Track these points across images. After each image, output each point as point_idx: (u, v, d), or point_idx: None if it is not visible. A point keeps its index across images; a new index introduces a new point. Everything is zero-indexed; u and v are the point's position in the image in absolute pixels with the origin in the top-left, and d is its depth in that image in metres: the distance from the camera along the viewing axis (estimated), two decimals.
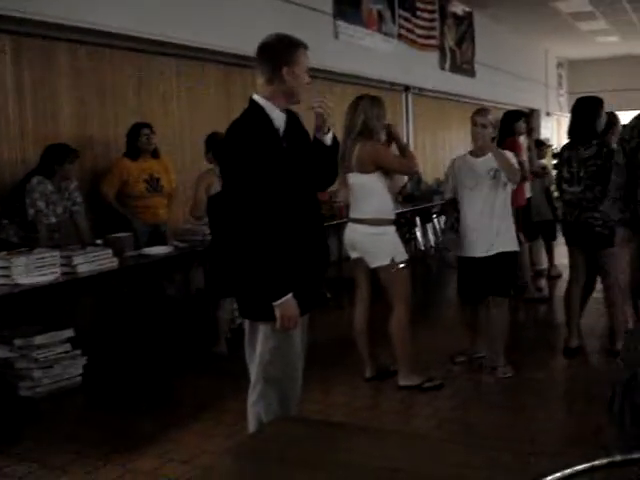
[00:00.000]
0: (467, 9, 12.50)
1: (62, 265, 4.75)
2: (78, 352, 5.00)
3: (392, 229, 4.62)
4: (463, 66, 12.51)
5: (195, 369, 5.32)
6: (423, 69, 11.11)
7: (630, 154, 2.76)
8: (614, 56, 17.26)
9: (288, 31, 3.07)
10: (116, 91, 6.29)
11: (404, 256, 4.58)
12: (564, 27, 14.21)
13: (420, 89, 11.34)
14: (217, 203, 5.12)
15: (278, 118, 2.96)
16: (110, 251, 5.08)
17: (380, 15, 9.72)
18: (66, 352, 4.94)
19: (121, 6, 5.82)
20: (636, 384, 1.96)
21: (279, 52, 2.95)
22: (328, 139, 3.05)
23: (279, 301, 2.84)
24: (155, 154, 6.13)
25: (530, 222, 7.27)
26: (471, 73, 12.85)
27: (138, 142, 5.98)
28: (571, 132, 5.11)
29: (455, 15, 12.12)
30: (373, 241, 4.54)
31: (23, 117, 5.55)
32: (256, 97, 2.97)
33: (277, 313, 2.85)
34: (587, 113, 5.03)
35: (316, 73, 7.62)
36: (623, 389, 2.00)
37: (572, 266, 5.25)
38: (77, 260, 4.81)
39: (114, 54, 6.24)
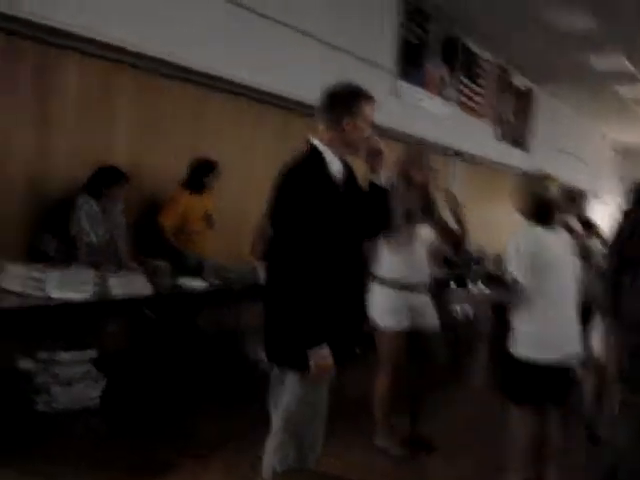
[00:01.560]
0: (528, 83, 12.52)
1: (96, 284, 4.74)
2: (100, 374, 4.96)
3: (384, 290, 4.43)
4: (518, 139, 12.47)
5: (217, 404, 5.24)
6: (477, 137, 11.10)
7: None
8: None
9: (343, 81, 3.06)
10: (172, 122, 6.37)
11: (391, 322, 4.41)
12: (624, 111, 14.14)
13: (472, 156, 11.31)
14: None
15: (335, 165, 2.93)
16: (145, 277, 5.07)
17: (442, 79, 9.78)
18: (87, 372, 4.91)
19: (186, 39, 5.92)
20: None
21: (343, 100, 2.95)
22: (381, 180, 3.01)
23: (315, 349, 2.77)
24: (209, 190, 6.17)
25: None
26: (525, 146, 12.81)
27: (205, 179, 6.04)
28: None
29: (515, 88, 12.14)
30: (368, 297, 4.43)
31: (79, 137, 5.63)
32: (315, 141, 2.95)
33: (311, 362, 2.77)
34: None
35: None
36: None
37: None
38: (111, 281, 4.81)
39: (174, 85, 6.33)
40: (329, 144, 2.94)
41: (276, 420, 2.97)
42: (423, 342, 4.56)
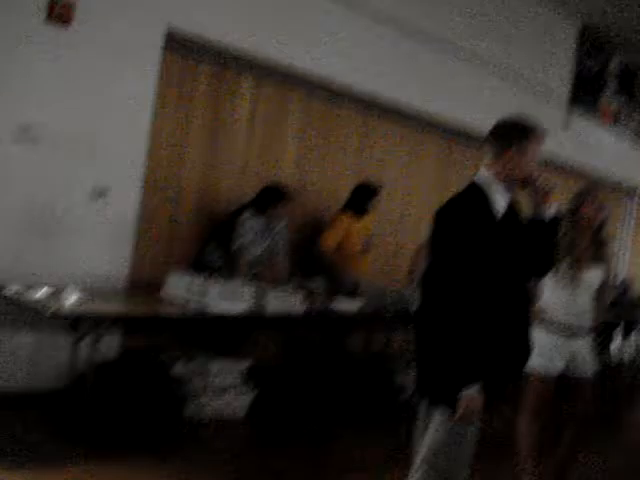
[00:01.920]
0: None
1: (253, 298, 4.88)
2: (250, 385, 5.09)
3: (540, 330, 4.16)
4: None
5: (355, 431, 5.23)
6: None
7: None
8: None
9: (517, 112, 2.99)
10: (339, 145, 6.48)
11: (540, 364, 4.16)
12: None
13: None
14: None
15: (498, 200, 2.86)
16: (301, 295, 5.17)
17: (618, 110, 9.33)
18: (238, 382, 5.05)
19: (357, 66, 6.02)
20: None
21: (510, 134, 2.87)
22: (547, 215, 2.91)
23: (466, 391, 2.70)
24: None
25: None
26: None
27: (368, 204, 6.11)
28: None
29: None
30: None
31: (250, 153, 5.86)
32: (478, 178, 2.90)
33: (461, 403, 2.70)
34: None
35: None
36: None
37: None
38: (268, 297, 4.93)
39: (343, 109, 6.44)
40: (495, 177, 2.87)
41: (419, 455, 2.92)
42: (575, 388, 4.32)
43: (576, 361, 4.31)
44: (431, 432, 2.83)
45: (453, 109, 6.91)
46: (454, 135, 7.36)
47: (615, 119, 9.33)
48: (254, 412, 5.06)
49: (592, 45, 8.59)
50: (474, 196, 2.85)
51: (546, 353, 4.19)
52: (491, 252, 2.76)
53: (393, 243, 7.03)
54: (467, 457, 2.86)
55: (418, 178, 7.24)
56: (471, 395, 2.68)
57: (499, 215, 2.84)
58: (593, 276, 4.32)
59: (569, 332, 4.28)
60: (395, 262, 7.02)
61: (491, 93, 7.16)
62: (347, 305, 5.56)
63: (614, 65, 9.04)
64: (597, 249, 4.35)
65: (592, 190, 4.45)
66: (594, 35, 8.54)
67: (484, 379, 2.72)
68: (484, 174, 2.89)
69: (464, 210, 2.80)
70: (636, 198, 10.72)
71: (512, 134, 2.87)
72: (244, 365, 5.09)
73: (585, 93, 8.68)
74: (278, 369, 5.61)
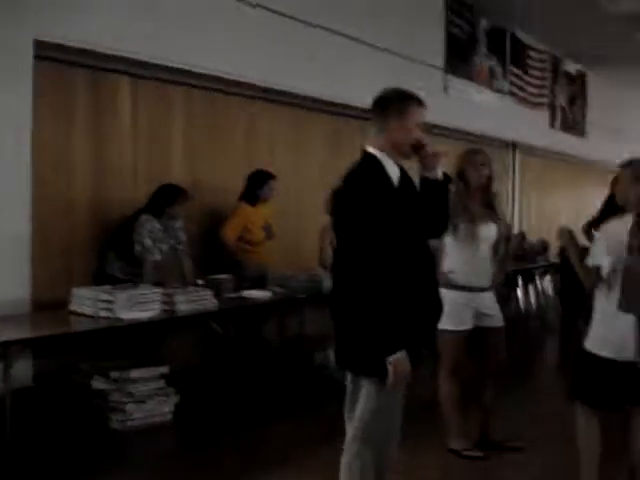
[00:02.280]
0: (581, 68, 12.28)
1: (163, 302, 4.83)
2: (171, 389, 5.04)
3: (445, 291, 4.03)
4: (574, 125, 12.25)
5: (287, 414, 5.27)
6: (532, 127, 10.94)
7: None
8: None
9: (397, 84, 3.07)
10: (227, 137, 6.45)
11: (450, 324, 4.18)
12: None
13: (528, 147, 11.15)
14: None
15: (392, 170, 2.94)
16: (210, 292, 5.14)
17: (491, 71, 9.67)
18: (160, 388, 4.99)
19: (232, 53, 5.99)
20: None
21: (390, 104, 2.95)
22: (439, 173, 2.99)
23: (393, 357, 2.76)
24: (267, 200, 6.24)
25: None
26: (582, 133, 12.56)
27: (261, 191, 6.11)
28: None
29: (567, 74, 11.92)
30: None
31: (137, 156, 5.75)
32: (370, 149, 2.96)
33: (390, 369, 2.76)
34: None
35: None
36: None
37: None
38: (178, 298, 4.88)
39: (226, 99, 6.41)
40: (382, 149, 2.94)
41: (350, 429, 2.98)
42: (486, 340, 4.53)
43: (483, 315, 4.50)
44: (361, 404, 2.90)
45: (336, 88, 6.98)
46: (340, 113, 7.44)
47: (490, 80, 9.66)
48: (180, 416, 5.02)
49: (460, 9, 8.84)
50: (370, 167, 2.92)
51: (454, 312, 4.28)
52: (394, 220, 2.84)
53: (293, 228, 7.04)
54: (397, 424, 2.95)
55: (310, 161, 7.29)
56: (398, 360, 2.76)
57: (395, 183, 2.92)
58: (488, 233, 4.50)
59: (473, 289, 4.45)
60: (296, 248, 7.04)
61: (369, 68, 7.26)
62: (257, 294, 5.59)
63: (483, 27, 9.34)
64: (488, 206, 4.53)
65: (475, 150, 4.63)
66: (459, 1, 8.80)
67: (405, 344, 2.79)
68: (373, 147, 2.96)
69: (363, 182, 2.87)
70: (517, 151, 11.15)
71: (391, 105, 2.95)
72: (163, 370, 5.03)
73: (459, 56, 8.94)
74: (198, 369, 5.57)
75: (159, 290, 4.86)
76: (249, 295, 5.53)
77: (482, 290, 4.49)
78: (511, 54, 10.07)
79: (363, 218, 2.78)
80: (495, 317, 4.55)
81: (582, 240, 5.41)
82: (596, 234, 3.66)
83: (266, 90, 6.50)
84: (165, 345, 5.40)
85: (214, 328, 5.55)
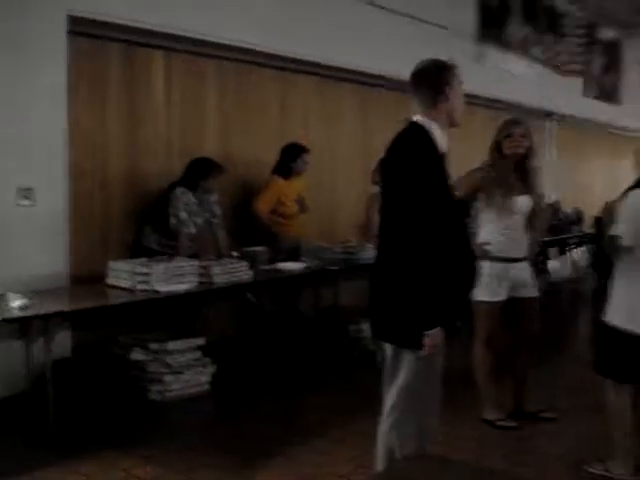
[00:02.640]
0: (615, 34, 12.02)
1: (199, 274, 4.89)
2: (208, 360, 5.11)
3: (482, 264, 4.12)
4: (608, 93, 12.02)
5: (322, 386, 5.33)
6: (566, 95, 10.76)
7: None
8: None
9: (431, 54, 3.07)
10: (259, 109, 6.45)
11: (484, 295, 4.28)
12: None
13: (562, 116, 10.98)
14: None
15: (442, 141, 2.94)
16: (246, 264, 5.19)
17: (525, 39, 9.51)
18: (197, 359, 5.07)
19: (264, 24, 5.96)
20: None
21: (439, 75, 2.96)
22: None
23: (431, 331, 2.80)
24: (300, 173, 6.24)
25: None
26: (617, 101, 12.33)
27: (294, 164, 6.10)
28: None
29: (603, 41, 11.68)
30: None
31: (171, 130, 5.78)
32: (419, 119, 2.96)
33: (426, 342, 2.80)
34: None
35: None
36: None
37: None
38: (214, 270, 4.94)
39: (258, 72, 6.40)
40: (434, 118, 2.94)
41: (391, 398, 3.01)
42: (520, 311, 4.52)
43: (518, 285, 4.48)
44: (402, 374, 2.93)
45: (369, 59, 6.93)
46: (373, 85, 7.39)
47: (524, 47, 9.50)
48: (217, 386, 5.10)
49: None
50: (419, 136, 2.92)
51: (489, 283, 4.32)
52: (442, 189, 2.87)
53: (326, 201, 7.05)
54: (436, 395, 2.99)
55: (342, 133, 7.27)
56: (434, 335, 2.80)
57: (444, 150, 2.94)
58: (523, 204, 4.47)
59: (508, 260, 4.43)
60: (330, 220, 7.05)
61: (400, 36, 7.18)
62: (291, 266, 5.62)
63: None
64: (525, 178, 4.48)
65: (515, 121, 4.57)
66: None
67: (442, 319, 2.82)
68: (422, 117, 2.96)
69: (415, 150, 2.88)
70: (554, 121, 10.99)
71: (442, 78, 2.96)
72: (200, 341, 5.10)
73: (492, 24, 8.80)
74: (234, 339, 5.64)
75: (195, 262, 4.92)
76: (283, 267, 5.56)
77: (517, 261, 4.47)
78: (545, 21, 9.88)
79: (416, 187, 2.80)
80: (530, 288, 4.53)
81: None
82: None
83: (297, 61, 6.47)
84: (201, 317, 5.47)
85: (249, 299, 5.62)
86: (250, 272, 5.17)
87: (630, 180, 4.21)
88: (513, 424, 4.46)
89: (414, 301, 2.81)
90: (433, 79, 2.96)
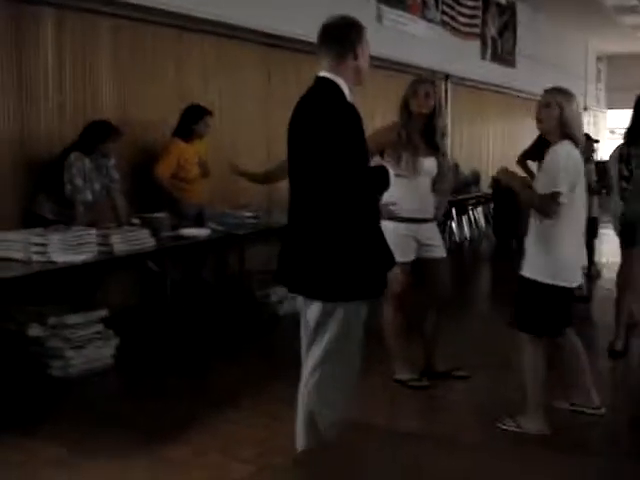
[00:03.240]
0: None
1: (98, 244, 4.65)
2: (111, 332, 4.90)
3: (388, 225, 3.94)
4: (504, 56, 12.25)
5: (231, 354, 5.21)
6: (464, 58, 10.88)
7: None
8: None
9: (331, 13, 3.02)
10: (157, 70, 6.16)
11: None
12: (606, 21, 13.90)
13: (460, 78, 11.11)
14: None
15: (350, 96, 2.91)
16: (147, 231, 4.98)
17: (424, 1, 9.51)
18: (99, 332, 4.84)
19: None
20: None
21: (350, 32, 2.92)
22: None
23: (390, 272, 2.92)
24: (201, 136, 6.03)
25: None
26: (512, 63, 12.59)
27: (196, 126, 5.88)
28: (631, 129, 4.92)
29: (498, 4, 11.87)
30: None
31: (62, 92, 5.44)
32: (326, 74, 2.90)
33: (390, 279, 2.92)
34: None
35: None
36: None
37: (627, 268, 5.08)
38: (114, 239, 4.71)
39: (155, 30, 6.10)
40: (341, 75, 2.89)
41: (315, 356, 2.93)
42: (429, 271, 4.53)
43: (426, 246, 4.47)
44: (332, 329, 2.87)
45: (268, 17, 6.73)
46: (274, 45, 7.20)
47: (422, 10, 9.51)
48: (122, 360, 4.89)
49: None
50: (331, 91, 2.87)
51: (397, 244, 4.21)
52: (360, 143, 2.83)
53: (220, 161, 6.79)
54: (359, 351, 2.99)
55: (243, 94, 7.06)
56: (394, 271, 2.95)
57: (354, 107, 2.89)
58: (430, 165, 4.44)
59: (415, 220, 4.39)
60: (232, 184, 6.84)
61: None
62: (196, 232, 5.45)
63: None
64: (431, 138, 4.43)
65: (420, 79, 4.52)
66: None
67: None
68: (329, 73, 2.88)
69: (332, 106, 2.83)
70: (449, 82, 11.10)
71: (351, 35, 2.92)
72: (102, 314, 4.88)
73: None
74: (138, 310, 5.42)
75: (93, 231, 4.67)
76: (187, 233, 5.38)
77: (424, 222, 4.45)
78: None
79: (341, 141, 2.76)
80: (438, 248, 4.54)
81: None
82: (547, 162, 3.65)
83: (195, 20, 6.21)
84: (102, 288, 5.23)
85: (152, 268, 5.41)
86: (152, 240, 4.97)
87: (524, 140, 4.32)
88: (425, 383, 4.48)
89: (369, 247, 2.83)
90: (343, 35, 2.92)
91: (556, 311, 3.66)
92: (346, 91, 2.88)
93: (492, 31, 11.73)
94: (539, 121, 3.71)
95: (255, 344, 5.43)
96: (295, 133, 2.94)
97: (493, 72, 11.86)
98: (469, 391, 4.48)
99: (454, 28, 10.39)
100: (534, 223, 3.67)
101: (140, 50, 5.99)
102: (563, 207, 3.52)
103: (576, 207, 3.62)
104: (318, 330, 2.92)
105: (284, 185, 7.35)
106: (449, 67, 10.57)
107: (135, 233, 4.91)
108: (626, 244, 5.06)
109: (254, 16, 6.59)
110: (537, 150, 5.99)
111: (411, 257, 4.41)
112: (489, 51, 11.67)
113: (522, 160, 7.34)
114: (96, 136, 5.13)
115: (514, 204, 10.55)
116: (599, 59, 18.38)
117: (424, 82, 4.45)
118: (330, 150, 2.76)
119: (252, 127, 7.12)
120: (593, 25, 14.46)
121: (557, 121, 3.60)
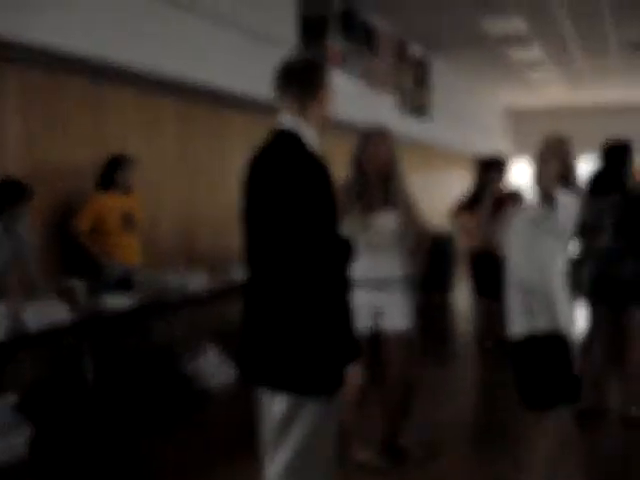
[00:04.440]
0: (424, 52, 12.30)
1: (7, 320, 4.09)
2: (23, 419, 4.28)
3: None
4: (419, 109, 12.26)
5: (161, 435, 4.65)
6: (381, 110, 10.77)
7: None
8: (560, 107, 17.40)
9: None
10: (71, 119, 5.64)
11: None
12: (515, 75, 14.20)
13: None
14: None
15: (315, 145, 2.52)
16: (62, 301, 4.45)
17: (343, 53, 9.36)
18: (9, 421, 4.22)
19: (77, 27, 5.19)
20: None
21: (314, 75, 2.57)
22: None
23: (353, 366, 2.39)
24: (128, 189, 5.54)
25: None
26: (427, 116, 12.62)
27: (118, 177, 5.44)
28: (596, 179, 4.75)
29: (413, 58, 11.90)
30: None
31: None
32: (288, 124, 2.52)
33: (348, 380, 2.38)
34: (615, 159, 4.70)
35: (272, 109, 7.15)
36: None
37: (594, 324, 4.85)
38: (26, 313, 4.16)
39: (68, 79, 5.60)
40: (305, 124, 2.52)
41: (283, 459, 2.44)
42: (385, 347, 4.01)
43: (384, 315, 3.97)
44: (297, 431, 2.41)
45: (189, 67, 6.33)
46: (194, 95, 6.80)
47: (342, 62, 9.35)
48: (38, 450, 4.27)
49: None
50: (296, 145, 2.48)
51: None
52: (330, 209, 2.43)
53: (149, 219, 6.30)
54: (334, 447, 2.53)
55: (163, 145, 6.60)
56: (355, 369, 2.40)
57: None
58: (387, 220, 4.01)
59: (372, 285, 3.93)
60: (153, 240, 6.33)
61: (224, 47, 6.66)
62: (119, 301, 4.92)
63: (336, 7, 8.99)
64: (388, 190, 4.03)
65: (374, 130, 4.16)
66: None
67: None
68: (291, 122, 2.52)
69: (297, 163, 2.43)
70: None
71: (315, 79, 2.57)
72: (11, 400, 4.27)
73: (312, 36, 8.52)
74: (54, 393, 4.80)
75: (2, 306, 4.11)
76: (110, 303, 4.85)
77: (382, 286, 3.97)
78: (361, 37, 9.81)
79: (309, 207, 2.37)
80: (396, 319, 3.99)
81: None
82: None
83: (115, 68, 5.73)
84: (13, 369, 4.60)
85: (70, 343, 4.84)
86: (69, 311, 4.44)
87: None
88: (384, 462, 4.05)
89: (330, 333, 2.35)
90: (306, 79, 2.55)
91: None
92: (311, 141, 2.51)
93: (407, 84, 11.72)
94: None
95: (188, 423, 4.89)
96: (253, 197, 2.53)
97: (409, 124, 11.81)
98: (425, 471, 4.07)
99: (373, 81, 10.29)
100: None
101: (54, 99, 5.47)
102: None
103: None
104: (284, 429, 2.44)
105: (205, 244, 6.87)
106: (366, 119, 10.41)
107: (49, 305, 4.37)
108: (590, 299, 4.85)
109: (172, 65, 6.17)
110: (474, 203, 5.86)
111: (366, 327, 3.91)
112: (406, 104, 11.63)
113: (459, 212, 7.15)
114: (5, 198, 4.57)
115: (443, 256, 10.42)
116: (507, 114, 18.83)
117: (375, 133, 4.08)
118: (297, 217, 2.37)
119: (173, 181, 6.67)
120: (502, 79, 14.75)
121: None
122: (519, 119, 19.01)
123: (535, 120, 17.80)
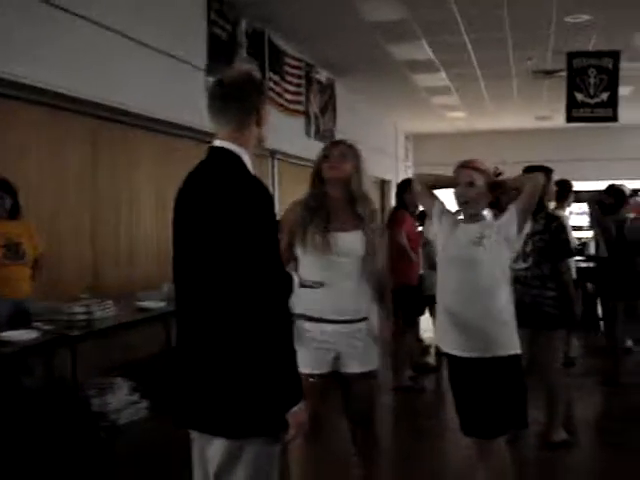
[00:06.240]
0: (330, 77, 12.33)
1: None
2: None
3: (298, 322, 3.29)
4: (326, 134, 12.25)
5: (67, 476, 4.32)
6: (289, 134, 10.69)
7: None
8: (459, 131, 17.80)
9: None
10: None
11: (302, 365, 2.52)
12: (417, 100, 14.40)
13: (286, 155, 10.90)
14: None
15: (252, 167, 2.37)
16: None
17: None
18: None
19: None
20: None
21: (252, 92, 2.38)
22: None
23: (298, 406, 2.23)
24: (14, 215, 5.17)
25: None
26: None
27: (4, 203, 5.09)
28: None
29: (319, 82, 11.89)
30: None
31: None
32: (225, 145, 2.33)
33: (292, 421, 2.21)
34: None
35: (182, 131, 6.91)
36: None
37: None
38: None
39: None
40: (243, 145, 2.36)
41: None
42: (346, 389, 3.56)
43: (343, 356, 3.46)
44: (244, 474, 2.23)
45: (95, 86, 6.03)
46: (104, 116, 6.49)
47: None
48: None
49: (221, 7, 8.27)
50: (234, 166, 2.31)
51: (306, 351, 3.24)
52: (271, 236, 2.28)
53: (49, 250, 5.91)
54: None
55: (66, 169, 6.25)
56: (301, 410, 2.24)
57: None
58: (352, 241, 3.46)
59: (328, 321, 3.39)
60: (55, 273, 5.94)
61: (129, 63, 6.38)
62: (18, 335, 4.57)
63: (243, 29, 8.86)
64: (351, 209, 3.52)
65: (335, 141, 3.86)
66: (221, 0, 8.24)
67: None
68: (229, 144, 2.34)
69: (236, 186, 2.26)
70: (275, 160, 10.86)
71: (253, 96, 2.38)
72: None
73: (220, 59, 8.34)
74: None
75: None
76: (8, 337, 4.49)
77: (343, 322, 3.43)
78: (269, 59, 9.71)
79: (254, 226, 2.21)
80: (359, 360, 3.49)
81: None
82: None
83: (15, 84, 5.39)
84: None
85: None
86: None
87: None
88: None
89: (277, 374, 2.20)
90: (244, 96, 2.36)
91: None
92: (249, 164, 2.35)
93: (315, 108, 11.70)
94: None
95: (95, 467, 4.56)
96: (186, 223, 2.35)
97: (316, 149, 11.76)
98: None
99: (280, 104, 10.19)
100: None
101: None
102: None
103: None
104: (221, 476, 2.28)
105: (110, 271, 6.52)
106: (275, 143, 10.31)
107: None
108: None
109: (78, 83, 5.86)
110: None
111: (325, 369, 3.44)
112: (312, 128, 11.59)
113: None
114: None
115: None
116: (407, 137, 19.13)
117: (339, 143, 3.67)
118: (236, 246, 2.20)
119: (75, 210, 6.31)
120: (403, 103, 14.93)
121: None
122: (418, 143, 19.34)
123: (434, 143, 18.18)
